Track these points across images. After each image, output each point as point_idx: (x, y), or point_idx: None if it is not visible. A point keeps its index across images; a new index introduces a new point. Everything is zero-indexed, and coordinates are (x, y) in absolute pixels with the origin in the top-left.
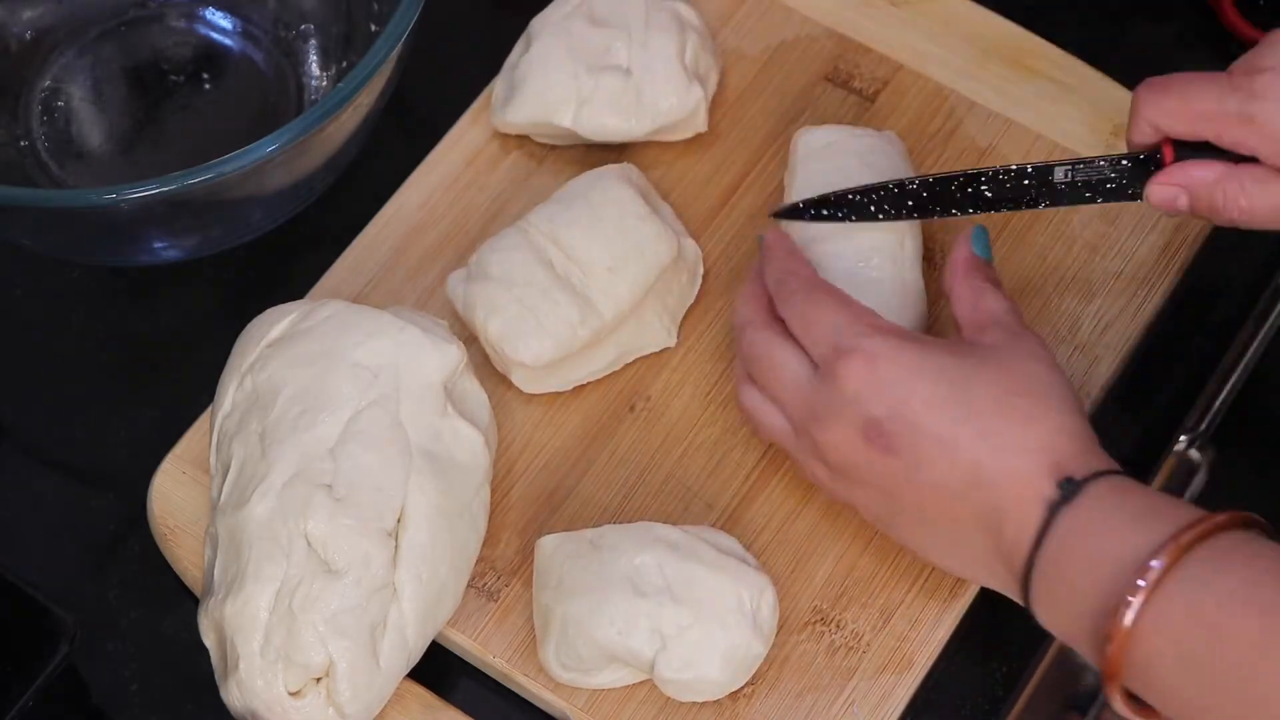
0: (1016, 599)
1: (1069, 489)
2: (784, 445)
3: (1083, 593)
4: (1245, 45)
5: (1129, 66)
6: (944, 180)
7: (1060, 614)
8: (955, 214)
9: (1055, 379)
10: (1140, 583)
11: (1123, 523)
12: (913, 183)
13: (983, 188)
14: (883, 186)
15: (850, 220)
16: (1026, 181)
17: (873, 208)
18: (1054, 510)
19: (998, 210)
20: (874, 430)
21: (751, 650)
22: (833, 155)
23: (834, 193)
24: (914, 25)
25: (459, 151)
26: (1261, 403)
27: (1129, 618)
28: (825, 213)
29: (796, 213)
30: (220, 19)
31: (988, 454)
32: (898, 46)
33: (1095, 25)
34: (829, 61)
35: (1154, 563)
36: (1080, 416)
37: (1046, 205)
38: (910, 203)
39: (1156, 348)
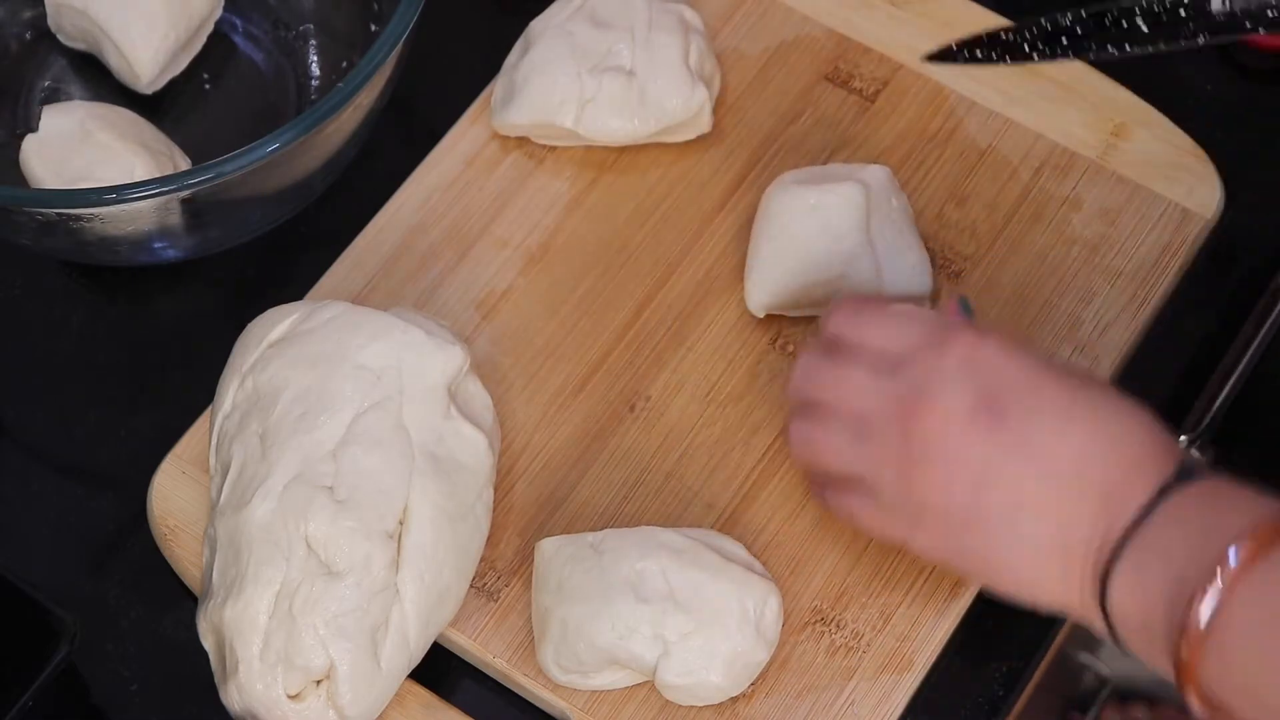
0: (1086, 610)
1: (1184, 472)
2: (838, 469)
3: (1161, 586)
4: (1247, 47)
5: (1129, 66)
6: (1097, 15)
7: (1136, 606)
8: (1112, 51)
9: None
10: (1218, 574)
11: (1211, 518)
12: (1065, 17)
13: (1137, 20)
14: (1035, 24)
15: (1005, 62)
16: (1183, 13)
17: (1026, 46)
18: (1164, 492)
19: (1153, 47)
20: (987, 399)
21: (754, 656)
22: (793, 220)
23: (986, 32)
24: (914, 25)
25: (459, 152)
26: (1261, 403)
27: (1205, 612)
28: (979, 54)
29: (950, 55)
30: (220, 19)
31: (1101, 428)
32: (898, 46)
33: None
34: (829, 61)
35: (1231, 551)
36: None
37: (1205, 39)
38: (1064, 40)
39: (1156, 348)
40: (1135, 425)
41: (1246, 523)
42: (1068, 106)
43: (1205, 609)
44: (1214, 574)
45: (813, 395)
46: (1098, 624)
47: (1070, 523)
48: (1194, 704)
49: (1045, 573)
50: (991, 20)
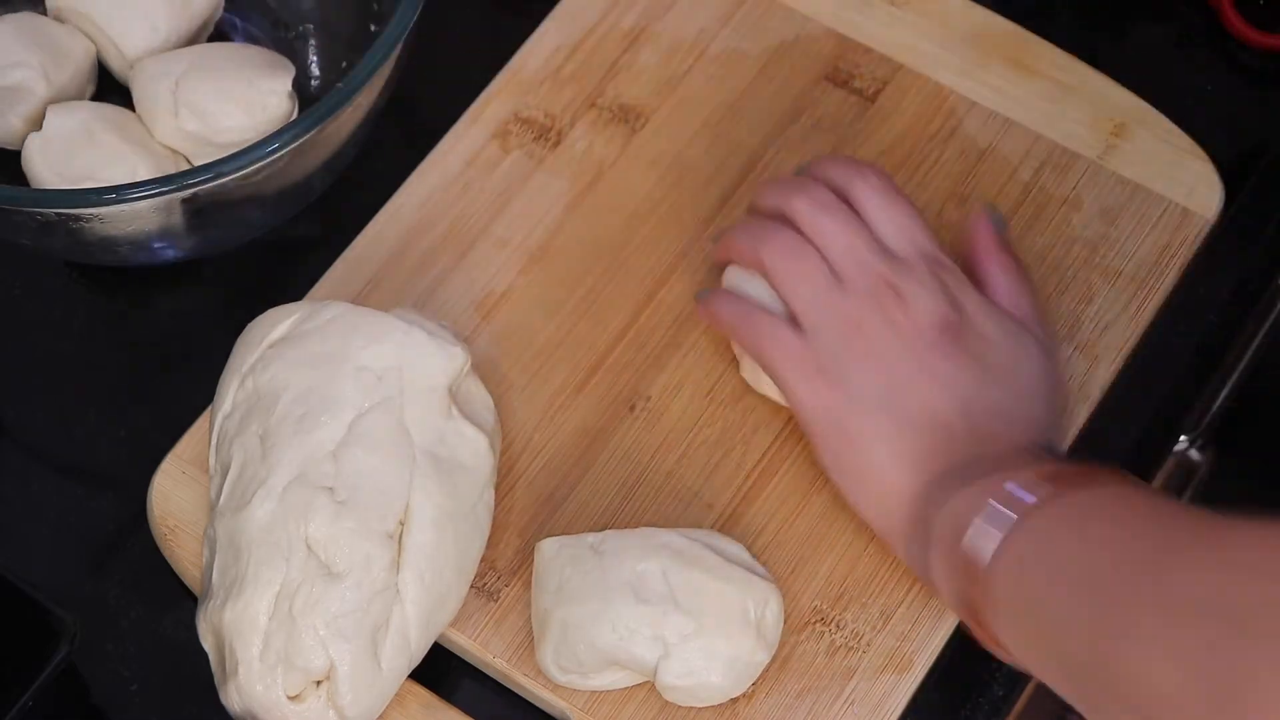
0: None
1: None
2: (796, 294)
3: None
4: (1245, 45)
5: (1129, 66)
6: None
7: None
8: None
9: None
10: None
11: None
12: None
13: None
14: None
15: None
16: None
17: None
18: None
19: None
20: (955, 329)
21: (755, 658)
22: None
23: None
24: (914, 25)
25: (458, 152)
26: (1261, 403)
27: (986, 549)
28: None
29: None
30: (220, 19)
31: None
32: (898, 46)
33: (1095, 25)
34: (829, 61)
35: (1016, 491)
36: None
37: None
38: None
39: (1157, 348)
40: (1046, 416)
41: (1044, 472)
42: (1068, 106)
43: (986, 545)
44: (1000, 515)
45: (813, 221)
46: (898, 545)
47: (938, 439)
48: (981, 637)
49: (887, 474)
50: (992, 20)
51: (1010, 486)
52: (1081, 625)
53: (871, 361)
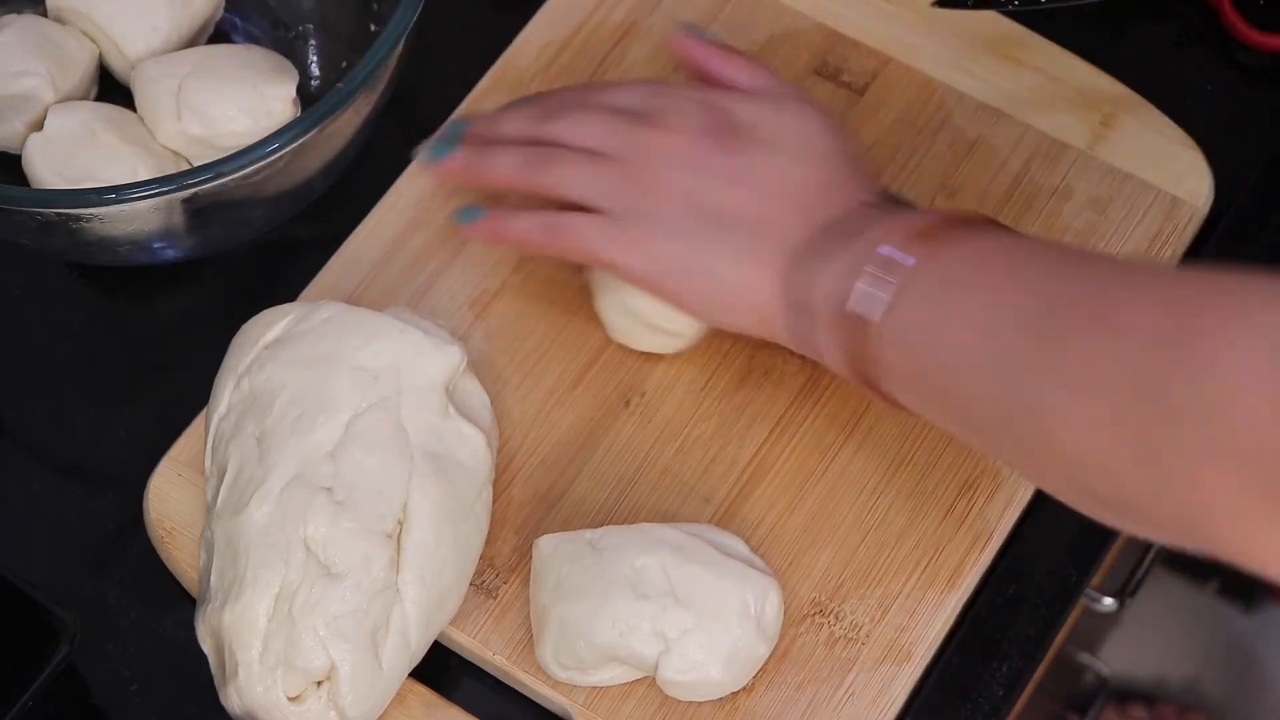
0: (771, 320)
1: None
2: (575, 193)
3: (838, 277)
4: (1245, 45)
5: (1129, 65)
6: None
7: (818, 296)
8: None
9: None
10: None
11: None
12: None
13: None
14: None
15: (1014, 4)
16: None
17: None
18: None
19: None
20: (721, 125)
21: (755, 651)
22: None
23: None
24: (902, 18)
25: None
26: None
27: (877, 304)
28: None
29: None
30: (220, 19)
31: (824, 168)
32: (886, 40)
33: (1094, 24)
34: (818, 55)
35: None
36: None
37: None
38: None
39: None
40: (856, 170)
41: (921, 223)
42: (1056, 97)
43: (871, 311)
44: (881, 281)
45: (541, 132)
46: (781, 334)
47: (769, 228)
48: (878, 399)
49: (740, 280)
50: (978, 12)
51: (885, 250)
52: (985, 390)
53: (666, 193)
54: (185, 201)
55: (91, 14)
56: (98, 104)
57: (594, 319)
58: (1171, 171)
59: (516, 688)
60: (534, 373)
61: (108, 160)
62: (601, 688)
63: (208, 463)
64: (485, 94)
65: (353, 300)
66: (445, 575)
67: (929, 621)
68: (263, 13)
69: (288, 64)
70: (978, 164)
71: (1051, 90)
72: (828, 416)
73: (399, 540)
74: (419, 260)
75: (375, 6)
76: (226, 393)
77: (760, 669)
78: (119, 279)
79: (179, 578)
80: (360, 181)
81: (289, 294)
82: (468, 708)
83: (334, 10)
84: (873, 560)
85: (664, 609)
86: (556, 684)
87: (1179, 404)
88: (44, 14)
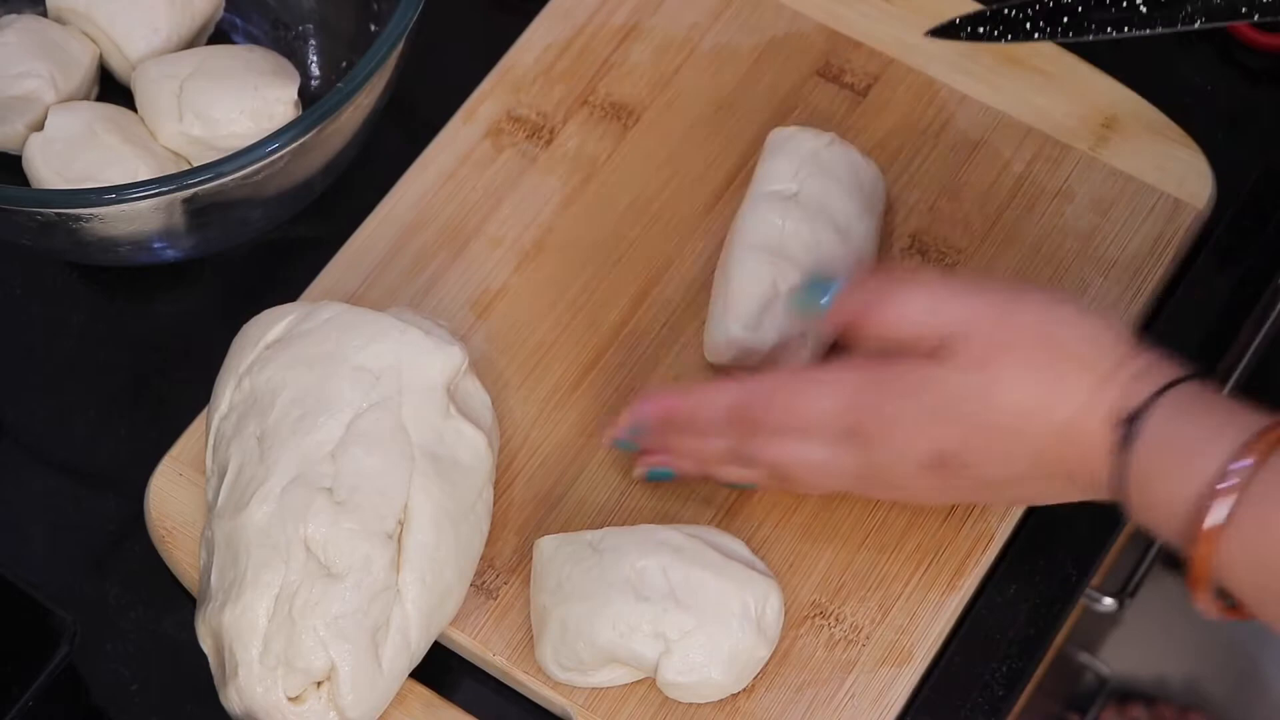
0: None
1: (1128, 432)
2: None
3: (1172, 502)
4: (1245, 46)
5: (1129, 66)
6: None
7: (1156, 521)
8: (1111, 33)
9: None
10: (1221, 486)
11: (1198, 439)
12: None
13: (1139, 3)
14: (1038, 1)
15: (1007, 39)
16: None
17: (1028, 25)
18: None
19: (1151, 29)
20: (940, 456)
21: (756, 653)
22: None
23: (990, 9)
24: (904, 20)
25: (452, 150)
26: (1261, 402)
27: (1212, 520)
28: (981, 31)
29: (952, 31)
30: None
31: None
32: (888, 41)
33: None
34: (820, 57)
35: (1234, 465)
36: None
37: (1203, 23)
38: (1065, 19)
39: (1156, 348)
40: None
41: (1249, 428)
42: (1059, 99)
43: (1220, 508)
44: (1224, 476)
45: (748, 451)
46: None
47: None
48: (1202, 600)
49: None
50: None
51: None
52: None
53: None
54: (185, 201)
55: (92, 15)
56: (98, 105)
57: (594, 319)
58: (1173, 173)
59: (516, 688)
60: (535, 374)
61: (108, 161)
62: (601, 689)
63: (208, 462)
64: (485, 96)
65: (354, 300)
66: (446, 576)
67: (929, 623)
68: (263, 13)
69: (289, 65)
70: (980, 165)
71: (1054, 92)
72: None
73: (400, 540)
74: (420, 261)
75: (375, 6)
76: (227, 393)
77: (760, 671)
78: (119, 279)
79: (179, 578)
80: (360, 181)
81: (289, 294)
82: (468, 708)
83: (334, 10)
84: (873, 562)
85: (664, 610)
86: (556, 685)
87: None
88: (44, 15)
